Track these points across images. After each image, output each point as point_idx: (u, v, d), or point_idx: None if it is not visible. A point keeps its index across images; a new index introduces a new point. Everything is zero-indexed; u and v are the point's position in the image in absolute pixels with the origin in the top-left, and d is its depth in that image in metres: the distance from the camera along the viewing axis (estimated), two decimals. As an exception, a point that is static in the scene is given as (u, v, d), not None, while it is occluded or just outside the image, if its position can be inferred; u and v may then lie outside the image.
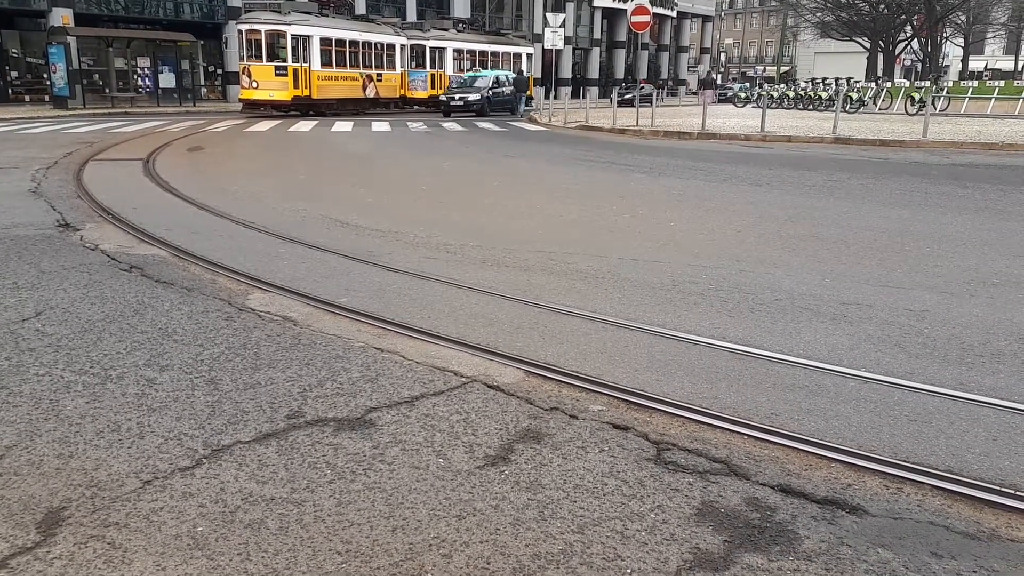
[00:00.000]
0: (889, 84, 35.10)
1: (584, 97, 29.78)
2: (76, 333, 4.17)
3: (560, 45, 30.75)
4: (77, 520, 2.43)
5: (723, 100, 45.38)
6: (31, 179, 10.15)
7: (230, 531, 2.39)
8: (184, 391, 3.43)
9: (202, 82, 33.94)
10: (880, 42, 49.79)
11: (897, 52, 51.52)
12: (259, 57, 25.14)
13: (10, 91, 30.20)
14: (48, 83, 27.82)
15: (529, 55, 37.54)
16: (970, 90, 31.20)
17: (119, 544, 2.31)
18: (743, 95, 37.62)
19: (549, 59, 37.03)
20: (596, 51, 53.48)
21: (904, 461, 2.88)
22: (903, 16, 48.83)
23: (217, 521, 2.44)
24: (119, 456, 2.84)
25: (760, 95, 32.84)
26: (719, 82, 60.83)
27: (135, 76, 29.36)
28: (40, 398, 3.34)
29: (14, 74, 31.04)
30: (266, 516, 2.48)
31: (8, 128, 19.23)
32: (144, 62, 29.42)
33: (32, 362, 3.75)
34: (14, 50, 31.21)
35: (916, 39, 51.22)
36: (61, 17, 28.56)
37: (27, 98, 30.01)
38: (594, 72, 52.99)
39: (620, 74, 54.18)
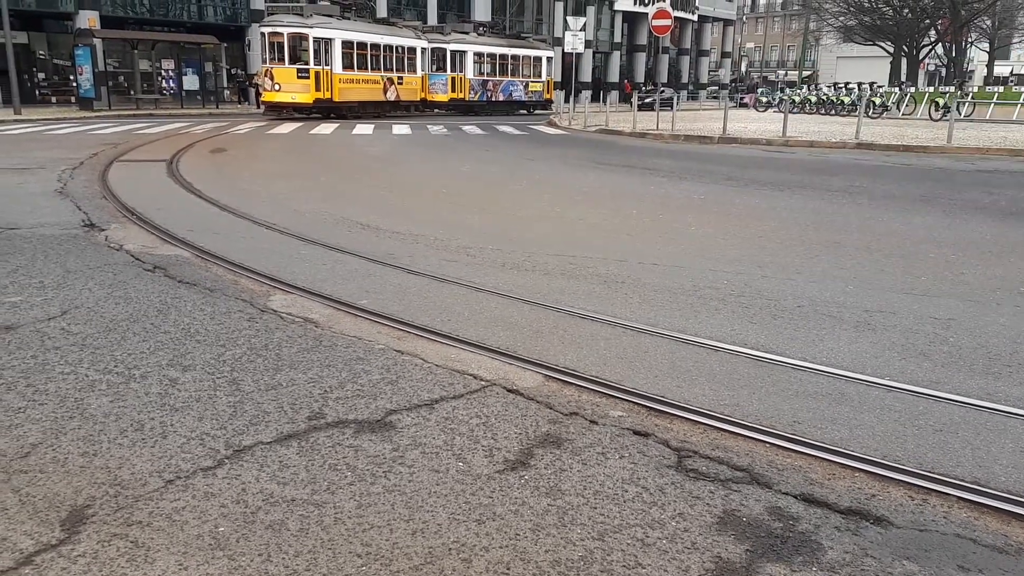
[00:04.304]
0: (913, 89, 34.74)
1: (604, 101, 29.72)
2: (100, 332, 4.22)
3: (580, 49, 30.68)
4: (101, 518, 2.45)
5: (742, 104, 45.14)
6: (57, 179, 10.29)
7: (251, 532, 2.40)
8: (206, 391, 3.46)
9: (225, 84, 34.24)
10: (904, 47, 49.31)
11: (921, 57, 50.99)
12: (281, 60, 25.34)
13: (37, 92, 30.68)
14: (74, 85, 28.25)
15: (549, 59, 37.55)
16: (995, 95, 30.82)
17: (142, 543, 2.33)
18: (764, 99, 37.39)
19: (569, 62, 36.99)
20: (616, 55, 53.42)
21: (929, 472, 2.84)
22: (927, 20, 48.33)
23: (238, 521, 2.46)
24: (142, 455, 2.86)
25: (781, 99, 32.64)
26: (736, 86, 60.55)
27: (159, 78, 29.71)
28: (65, 396, 3.37)
29: (41, 75, 31.53)
30: (287, 517, 2.48)
31: (35, 129, 19.52)
32: (168, 64, 29.78)
33: (57, 361, 3.79)
34: (41, 52, 31.70)
35: (940, 44, 50.68)
36: (88, 19, 28.96)
37: (53, 99, 30.47)
38: (614, 76, 52.92)
39: (640, 78, 54.08)
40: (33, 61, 31.17)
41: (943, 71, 56.59)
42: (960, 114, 24.68)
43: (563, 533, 2.43)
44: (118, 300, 4.82)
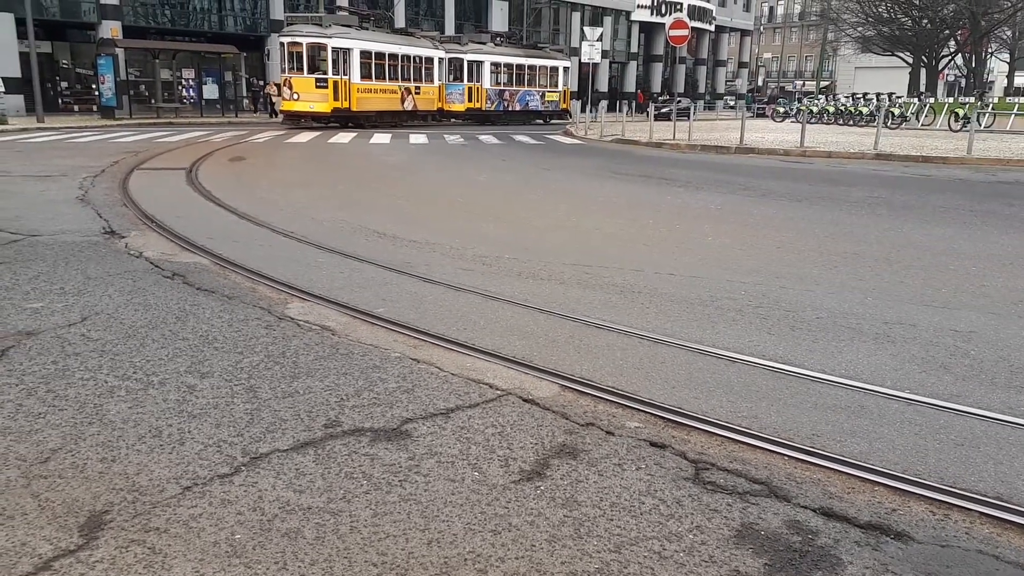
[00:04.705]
0: (932, 100, 34.50)
1: (620, 110, 29.76)
2: (120, 339, 4.25)
3: (597, 59, 30.75)
4: (119, 524, 2.46)
5: (759, 115, 44.99)
6: (79, 187, 10.41)
7: (267, 539, 2.41)
8: (224, 398, 3.47)
9: (244, 94, 34.59)
10: (923, 57, 48.98)
11: (940, 67, 50.64)
12: (300, 69, 25.55)
13: (60, 101, 31.09)
14: (96, 93, 28.61)
15: (566, 69, 37.63)
16: (1016, 106, 30.54)
17: (159, 549, 2.34)
18: (781, 109, 37.27)
19: (586, 72, 37.08)
20: (633, 65, 53.48)
21: (951, 487, 2.80)
22: (947, 31, 48.01)
23: (255, 529, 2.46)
24: (160, 461, 2.88)
25: (799, 109, 32.52)
26: (755, 95, 60.38)
27: (180, 87, 30.04)
28: (85, 402, 3.40)
29: (64, 84, 31.97)
30: (303, 525, 2.49)
31: (58, 137, 19.77)
32: (189, 73, 30.11)
33: (78, 366, 3.82)
34: (64, 61, 32.16)
35: (960, 54, 50.32)
36: (110, 29, 29.38)
37: (76, 108, 30.86)
38: (631, 86, 52.98)
39: (657, 88, 54.10)
40: (56, 70, 31.62)
41: (963, 82, 56.12)
42: (980, 125, 24.48)
43: (579, 545, 2.42)
44: (137, 307, 4.87)
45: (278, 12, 34.11)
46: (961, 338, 4.52)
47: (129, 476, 2.77)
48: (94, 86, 29.18)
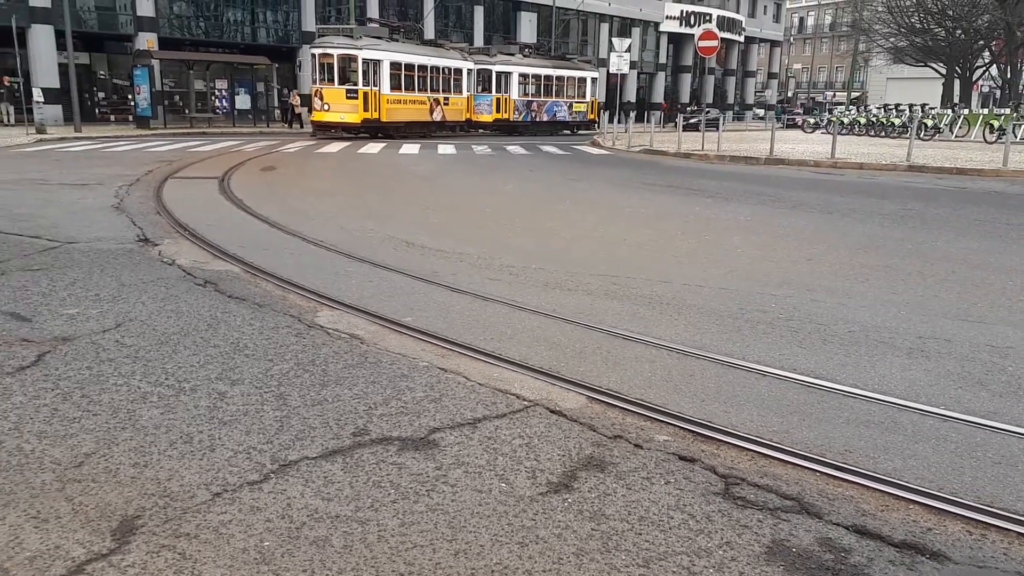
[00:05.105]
0: (966, 111, 33.98)
1: (648, 121, 29.70)
2: (153, 345, 4.31)
3: (625, 70, 30.74)
4: (150, 529, 2.49)
5: (790, 126, 44.63)
6: (114, 195, 10.60)
7: (296, 547, 2.42)
8: (254, 405, 3.50)
9: (276, 104, 35.06)
10: (956, 68, 48.29)
11: (974, 78, 49.87)
12: (331, 80, 25.85)
13: (97, 111, 31.79)
14: (132, 103, 29.19)
15: (594, 79, 37.65)
16: (1054, 118, 29.96)
17: (189, 555, 2.36)
18: (812, 120, 36.94)
19: (614, 83, 37.08)
20: (661, 75, 53.39)
21: (988, 506, 2.74)
22: (981, 42, 47.30)
23: (283, 536, 2.47)
24: (191, 467, 2.91)
25: (830, 120, 32.23)
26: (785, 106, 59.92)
27: (213, 97, 30.53)
28: (118, 408, 3.45)
29: (101, 95, 32.70)
30: (331, 533, 2.49)
31: (94, 146, 20.17)
32: (222, 84, 30.60)
33: (111, 372, 3.88)
34: (101, 72, 32.90)
35: (995, 65, 49.52)
36: (146, 41, 30.01)
37: (112, 117, 31.51)
38: (659, 96, 52.90)
39: (685, 98, 53.95)
40: (94, 81, 32.35)
41: (997, 93, 55.20)
42: (1016, 136, 24.06)
43: (607, 559, 2.40)
44: (170, 314, 4.93)
45: (310, 24, 34.59)
46: (998, 354, 4.42)
47: (161, 481, 2.80)
48: (130, 96, 29.81)
